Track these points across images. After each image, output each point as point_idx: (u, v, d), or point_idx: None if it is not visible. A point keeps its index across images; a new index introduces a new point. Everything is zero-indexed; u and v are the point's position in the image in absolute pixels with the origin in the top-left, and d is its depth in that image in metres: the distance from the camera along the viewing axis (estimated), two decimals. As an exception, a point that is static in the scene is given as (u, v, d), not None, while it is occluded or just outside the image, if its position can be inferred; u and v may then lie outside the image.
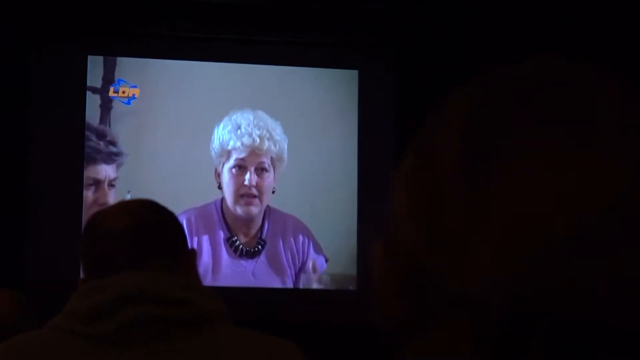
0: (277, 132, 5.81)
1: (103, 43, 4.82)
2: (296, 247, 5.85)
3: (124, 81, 4.82)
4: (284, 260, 5.89)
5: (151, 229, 1.64)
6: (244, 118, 5.78)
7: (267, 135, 5.77)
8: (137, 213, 1.66)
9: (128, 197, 5.20)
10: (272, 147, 5.78)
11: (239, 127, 5.76)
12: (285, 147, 5.82)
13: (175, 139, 5.36)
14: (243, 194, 5.78)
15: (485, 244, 0.56)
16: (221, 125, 5.78)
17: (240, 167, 5.75)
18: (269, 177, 5.81)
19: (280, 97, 5.40)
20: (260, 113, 5.78)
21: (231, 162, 5.73)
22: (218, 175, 5.80)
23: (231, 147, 5.72)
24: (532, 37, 4.40)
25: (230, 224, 5.84)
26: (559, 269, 0.54)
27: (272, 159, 5.79)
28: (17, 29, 4.60)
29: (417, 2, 4.86)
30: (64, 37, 4.75)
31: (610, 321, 0.54)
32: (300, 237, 5.84)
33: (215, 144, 5.76)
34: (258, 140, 5.71)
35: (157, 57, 5.00)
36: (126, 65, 4.98)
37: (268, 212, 5.90)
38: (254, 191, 5.77)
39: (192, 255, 1.71)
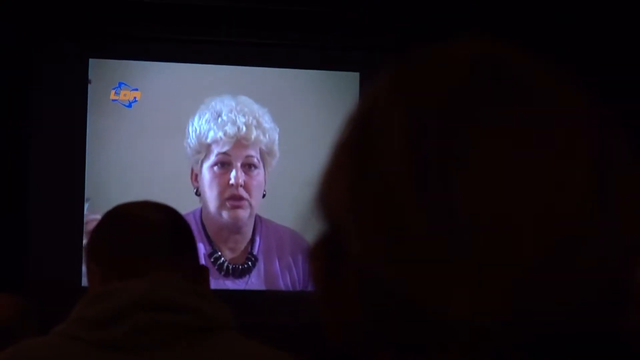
0: (266, 119, 4.96)
1: (104, 45, 4.91)
2: (296, 269, 4.99)
3: (125, 84, 4.88)
4: (281, 282, 5.01)
5: (184, 230, 1.69)
6: (224, 104, 4.92)
7: (255, 122, 4.90)
8: (166, 210, 1.69)
9: (86, 205, 4.88)
10: (261, 137, 4.91)
11: (219, 115, 4.89)
12: (276, 138, 5.01)
13: (165, 143, 5.00)
14: (229, 197, 4.84)
15: (460, 266, 0.56)
16: (196, 116, 4.93)
17: (224, 163, 4.89)
18: (259, 175, 4.93)
19: (281, 100, 5.04)
20: (244, 98, 4.95)
21: (212, 158, 4.89)
22: (195, 177, 4.95)
23: (211, 140, 4.87)
24: (532, 39, 4.17)
25: (212, 236, 4.95)
26: (542, 282, 0.55)
27: (261, 152, 4.92)
28: (18, 30, 4.73)
29: (419, 5, 4.85)
30: (65, 40, 4.84)
31: (595, 328, 0.57)
32: (300, 256, 4.93)
33: (191, 137, 4.90)
34: (244, 128, 4.84)
35: (158, 60, 4.98)
36: (127, 68, 4.97)
37: (259, 222, 5.01)
38: (242, 192, 4.87)
39: (206, 270, 1.73)
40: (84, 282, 4.35)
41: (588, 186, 0.57)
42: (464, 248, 0.56)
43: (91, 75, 4.85)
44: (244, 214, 4.90)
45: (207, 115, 4.90)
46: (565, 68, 0.62)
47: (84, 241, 4.43)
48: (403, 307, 0.58)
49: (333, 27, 4.96)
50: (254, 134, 4.87)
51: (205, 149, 4.87)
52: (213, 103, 4.92)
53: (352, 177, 0.61)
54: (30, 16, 4.71)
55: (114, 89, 4.91)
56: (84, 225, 4.76)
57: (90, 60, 4.88)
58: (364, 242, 0.59)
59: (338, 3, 4.88)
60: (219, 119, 4.87)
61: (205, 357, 1.54)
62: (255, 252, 4.99)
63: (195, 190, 4.92)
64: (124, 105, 4.91)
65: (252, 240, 4.99)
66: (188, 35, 4.95)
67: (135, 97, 4.92)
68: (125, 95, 4.90)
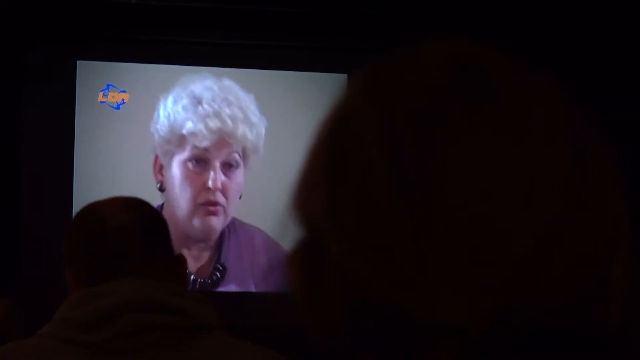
0: (253, 110, 4.41)
1: (92, 47, 4.96)
2: (271, 276, 4.52)
3: (113, 86, 4.91)
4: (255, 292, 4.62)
5: (156, 227, 1.70)
6: (205, 88, 4.32)
7: (241, 116, 4.33)
8: (140, 210, 1.71)
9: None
10: (248, 134, 4.35)
11: (200, 102, 4.28)
12: (263, 132, 4.56)
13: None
14: (204, 202, 4.24)
15: (442, 269, 0.57)
16: (170, 98, 4.40)
17: (201, 160, 4.35)
18: (239, 176, 4.43)
19: (268, 101, 4.85)
20: (228, 82, 4.41)
21: (187, 152, 4.39)
22: (160, 168, 4.37)
23: (188, 132, 4.29)
24: (526, 44, 4.30)
25: (174, 242, 4.29)
26: (523, 284, 0.57)
27: (244, 150, 4.44)
28: (6, 33, 4.83)
29: (406, 7, 4.88)
30: (53, 42, 4.90)
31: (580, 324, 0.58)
32: (275, 262, 4.33)
33: (162, 123, 4.30)
34: (230, 123, 4.30)
35: (146, 62, 4.95)
36: (115, 70, 4.95)
37: (231, 225, 4.48)
38: (219, 197, 4.32)
39: (183, 258, 1.76)
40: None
41: (567, 184, 0.59)
42: (446, 250, 0.57)
43: (79, 77, 4.85)
44: (217, 222, 4.45)
45: (184, 100, 4.35)
46: (542, 67, 0.64)
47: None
48: (386, 310, 0.58)
49: (320, 28, 4.98)
50: (241, 130, 4.33)
51: (178, 139, 4.41)
52: (192, 86, 4.34)
53: (331, 183, 0.62)
54: (18, 19, 4.84)
55: (102, 91, 4.90)
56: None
57: (78, 62, 4.88)
58: (345, 249, 0.60)
59: (325, 4, 4.90)
60: (199, 107, 4.30)
61: (194, 357, 1.56)
62: (223, 260, 4.54)
63: (158, 185, 4.46)
64: (112, 107, 4.89)
65: (220, 247, 4.53)
66: (176, 37, 4.98)
67: (123, 99, 4.88)
68: (113, 97, 4.92)
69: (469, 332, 0.56)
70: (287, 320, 0.66)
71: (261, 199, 4.50)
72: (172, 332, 1.56)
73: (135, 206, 1.70)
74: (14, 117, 4.86)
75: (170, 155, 4.40)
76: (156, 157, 4.51)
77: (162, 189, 4.43)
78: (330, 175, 0.62)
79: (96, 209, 1.70)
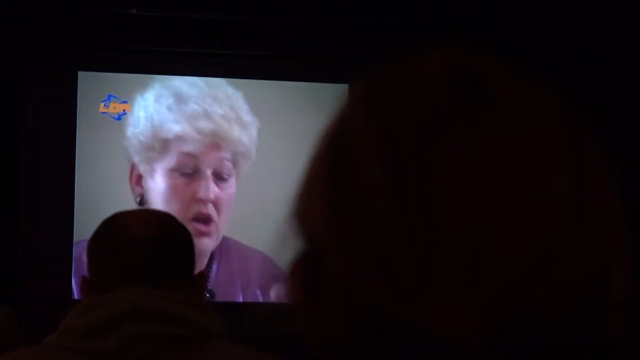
0: (244, 109, 3.97)
1: (93, 58, 5.04)
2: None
3: (115, 97, 4.95)
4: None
5: (174, 242, 1.72)
6: (190, 85, 3.97)
7: (234, 116, 3.87)
8: (160, 224, 1.73)
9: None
10: (243, 136, 3.88)
11: (185, 101, 3.82)
12: (256, 134, 4.20)
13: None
14: (195, 217, 3.77)
15: (439, 282, 0.57)
16: (151, 96, 4.00)
17: (190, 169, 4.02)
18: (231, 187, 4.02)
19: (269, 112, 4.80)
20: (212, 79, 4.21)
21: (173, 159, 4.00)
22: (138, 179, 4.08)
23: (175, 135, 3.86)
24: (521, 53, 4.08)
25: None
26: (524, 296, 0.57)
27: (235, 155, 4.01)
28: (8, 44, 4.94)
29: (407, 16, 4.96)
30: (55, 53, 4.98)
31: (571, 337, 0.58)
32: (273, 286, 4.09)
33: (142, 126, 3.86)
34: (224, 124, 3.84)
35: (147, 73, 4.93)
36: (116, 81, 4.92)
37: (224, 246, 4.14)
38: (212, 210, 3.86)
39: (202, 278, 1.77)
40: (75, 293, 4.59)
41: (568, 194, 0.59)
42: (443, 264, 0.57)
43: (80, 87, 4.87)
44: (210, 244, 4.06)
45: (169, 100, 3.89)
46: (541, 74, 0.65)
47: (73, 252, 4.60)
48: (386, 323, 0.58)
49: (321, 38, 5.07)
50: (236, 132, 3.89)
51: (160, 145, 4.02)
52: (172, 82, 4.04)
53: (330, 195, 0.61)
54: (19, 29, 4.95)
55: (103, 101, 4.94)
56: (74, 237, 4.63)
57: (80, 72, 4.92)
58: (343, 262, 0.60)
59: (326, 15, 4.98)
60: (186, 107, 3.94)
61: None
62: (210, 285, 4.12)
63: (138, 199, 4.05)
64: (114, 117, 4.91)
65: (209, 269, 4.14)
66: (177, 48, 5.03)
67: (124, 110, 4.87)
68: (114, 107, 4.97)
69: (469, 345, 0.56)
70: (286, 330, 0.65)
71: (259, 213, 4.14)
72: (174, 340, 1.59)
73: (157, 219, 1.73)
74: (16, 128, 4.95)
75: (152, 164, 3.98)
76: (132, 167, 4.12)
77: (142, 202, 4.01)
78: (329, 187, 0.61)
79: (117, 219, 1.74)
